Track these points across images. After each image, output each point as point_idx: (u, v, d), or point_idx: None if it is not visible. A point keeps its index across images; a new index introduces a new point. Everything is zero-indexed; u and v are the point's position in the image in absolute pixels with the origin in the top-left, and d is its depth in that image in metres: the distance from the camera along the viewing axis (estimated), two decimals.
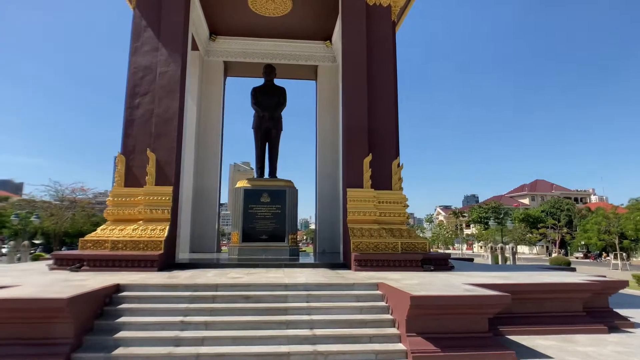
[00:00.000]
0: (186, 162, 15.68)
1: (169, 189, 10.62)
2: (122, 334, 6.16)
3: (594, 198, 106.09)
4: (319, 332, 6.48)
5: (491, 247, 25.45)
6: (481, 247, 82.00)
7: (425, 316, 6.33)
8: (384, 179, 11.73)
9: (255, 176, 14.70)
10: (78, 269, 9.23)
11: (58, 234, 34.46)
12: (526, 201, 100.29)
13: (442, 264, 11.19)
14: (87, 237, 10.11)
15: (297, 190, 13.85)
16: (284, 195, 13.30)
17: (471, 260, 19.49)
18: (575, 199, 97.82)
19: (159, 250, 9.82)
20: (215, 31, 17.06)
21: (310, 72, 18.51)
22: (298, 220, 14.02)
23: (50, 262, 10.05)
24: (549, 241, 73.06)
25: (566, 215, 73.85)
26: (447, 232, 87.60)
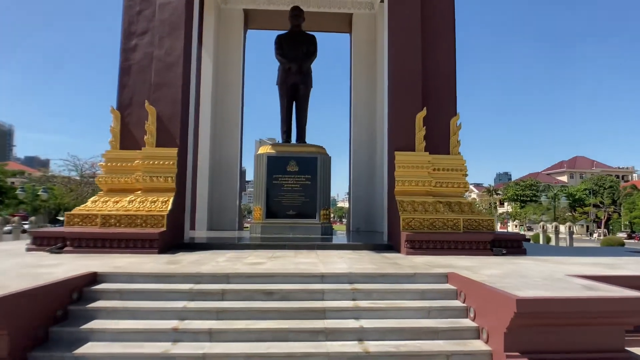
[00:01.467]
0: (202, 128, 13.68)
1: (174, 151, 8.54)
2: (87, 347, 4.21)
3: (635, 176, 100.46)
4: (372, 346, 4.40)
5: (543, 227, 22.73)
6: (516, 227, 78.34)
7: (536, 328, 4.18)
8: (440, 141, 9.38)
9: (280, 141, 12.51)
10: (60, 250, 7.38)
11: None
12: (564, 179, 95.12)
13: (514, 246, 8.89)
14: (75, 210, 8.19)
15: (330, 157, 11.63)
16: (315, 164, 11.11)
17: (527, 240, 16.93)
18: (617, 177, 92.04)
19: (160, 227, 7.81)
20: None
21: (343, 23, 15.92)
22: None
23: (29, 241, 8.24)
24: (590, 220, 68.94)
25: (609, 193, 69.33)
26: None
